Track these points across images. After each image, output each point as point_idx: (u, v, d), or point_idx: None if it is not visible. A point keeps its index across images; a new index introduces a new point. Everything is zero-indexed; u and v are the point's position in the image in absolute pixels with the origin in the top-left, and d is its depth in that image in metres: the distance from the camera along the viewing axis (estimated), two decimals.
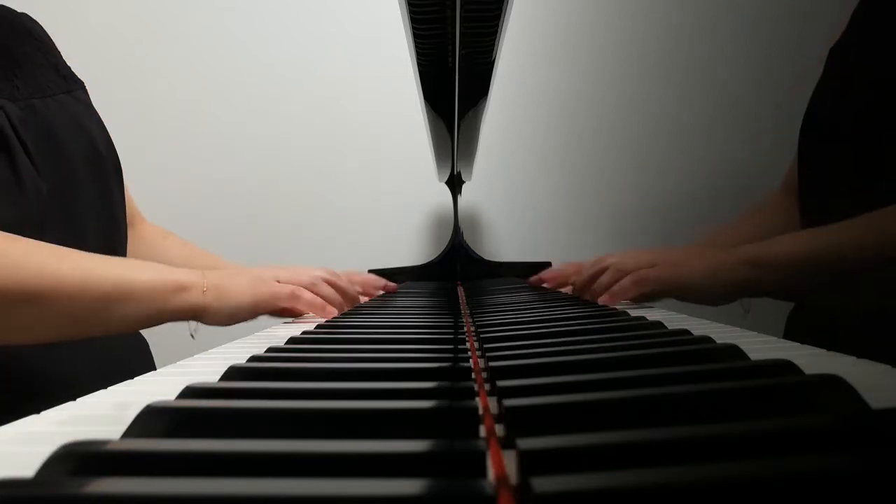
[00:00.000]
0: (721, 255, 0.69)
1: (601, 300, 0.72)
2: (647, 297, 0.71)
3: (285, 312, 0.69)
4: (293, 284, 0.69)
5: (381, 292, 0.96)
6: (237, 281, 0.66)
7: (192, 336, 0.67)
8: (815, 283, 0.65)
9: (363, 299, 0.80)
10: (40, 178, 0.65)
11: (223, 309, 0.64)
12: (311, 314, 0.70)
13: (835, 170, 0.74)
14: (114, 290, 0.57)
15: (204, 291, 0.62)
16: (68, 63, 0.79)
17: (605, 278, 0.73)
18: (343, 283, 0.75)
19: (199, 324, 0.65)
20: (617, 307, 0.66)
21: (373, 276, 0.98)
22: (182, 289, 0.61)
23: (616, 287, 0.71)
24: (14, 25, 0.73)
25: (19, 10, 0.77)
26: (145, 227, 0.95)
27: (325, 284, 0.72)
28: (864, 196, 0.68)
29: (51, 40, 0.79)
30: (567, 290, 0.90)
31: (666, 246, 1.02)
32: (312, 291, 0.70)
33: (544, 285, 0.98)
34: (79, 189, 0.71)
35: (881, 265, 0.59)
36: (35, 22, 0.78)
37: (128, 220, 0.85)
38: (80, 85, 0.79)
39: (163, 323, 0.62)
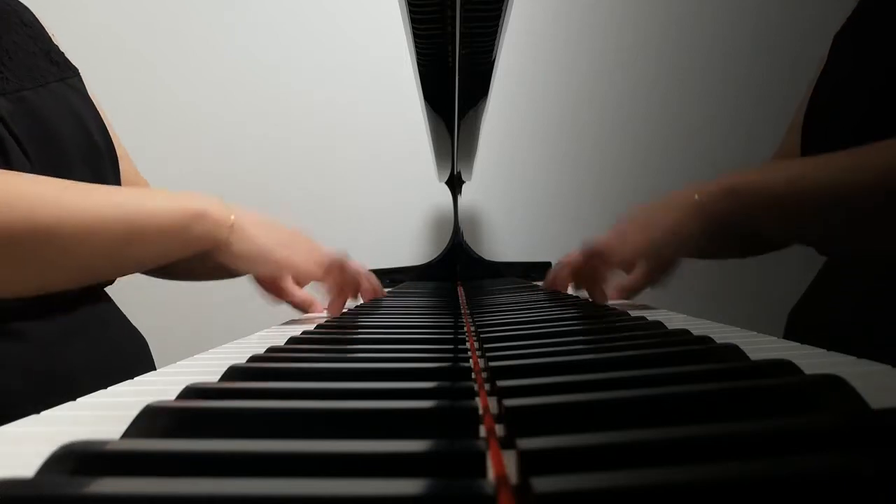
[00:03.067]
0: (689, 194, 0.59)
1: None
2: (624, 265, 0.69)
3: (298, 283, 0.68)
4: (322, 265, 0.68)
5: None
6: (268, 237, 0.63)
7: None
8: (818, 223, 0.55)
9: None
10: (34, 170, 0.65)
11: (247, 256, 0.60)
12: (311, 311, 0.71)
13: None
14: (132, 224, 0.54)
15: (229, 227, 0.59)
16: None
17: (570, 267, 0.73)
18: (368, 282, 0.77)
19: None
20: (617, 307, 0.66)
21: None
22: (199, 216, 0.58)
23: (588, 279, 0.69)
24: (2, 12, 0.72)
25: None
26: None
27: (358, 265, 0.72)
28: None
29: (42, 26, 0.77)
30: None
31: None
32: (349, 268, 0.69)
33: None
34: (74, 178, 0.70)
35: (884, 197, 0.50)
36: (25, 7, 0.76)
37: None
38: (74, 72, 0.77)
39: (189, 254, 0.59)
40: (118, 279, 0.68)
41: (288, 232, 0.66)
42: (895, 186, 0.48)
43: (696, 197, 0.59)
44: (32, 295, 0.57)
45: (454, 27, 0.60)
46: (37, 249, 0.50)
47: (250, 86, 1.48)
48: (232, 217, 0.60)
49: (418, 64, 0.71)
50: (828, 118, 0.76)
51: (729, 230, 0.59)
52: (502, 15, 0.61)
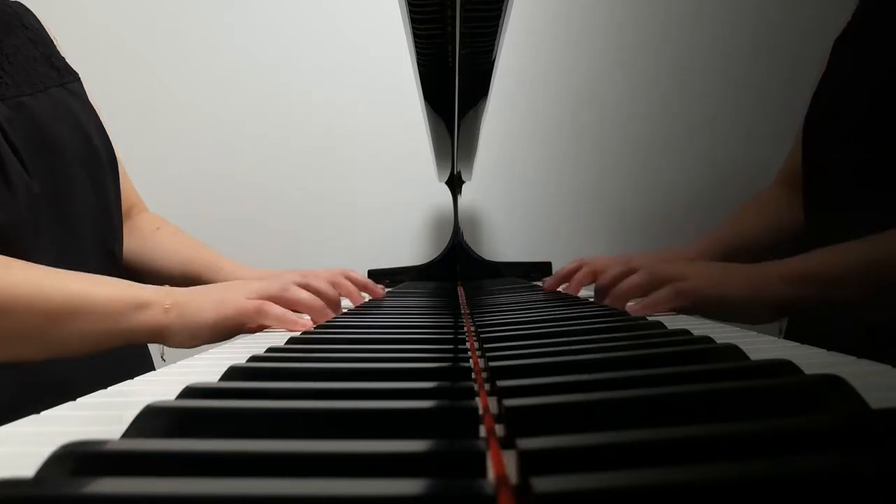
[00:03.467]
0: (758, 271, 0.64)
1: (634, 310, 0.63)
2: (679, 310, 0.65)
3: (259, 329, 0.62)
4: (261, 297, 0.62)
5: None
6: (202, 298, 0.60)
7: (163, 359, 0.63)
8: (852, 297, 0.62)
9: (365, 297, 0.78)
10: (31, 177, 0.65)
11: (185, 329, 0.58)
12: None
13: (843, 164, 0.73)
14: (66, 304, 0.54)
15: (166, 309, 0.57)
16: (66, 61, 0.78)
17: (636, 279, 0.67)
18: (320, 284, 0.69)
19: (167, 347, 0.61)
20: (617, 307, 0.66)
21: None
22: (141, 306, 0.56)
23: (650, 299, 0.64)
24: (3, 16, 0.71)
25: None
26: (141, 217, 0.92)
27: (298, 288, 0.65)
28: (874, 193, 0.67)
29: (45, 30, 0.77)
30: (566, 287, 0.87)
31: (670, 246, 1.00)
32: (284, 297, 0.64)
33: (561, 289, 0.88)
34: (72, 185, 0.70)
35: None
36: (27, 10, 0.76)
37: (125, 209, 0.84)
38: (74, 76, 0.77)
39: (122, 344, 0.58)
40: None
41: (218, 292, 0.62)
42: None
43: (763, 276, 0.63)
44: None
45: (454, 27, 0.60)
46: None
47: (250, 86, 1.48)
48: (168, 302, 0.58)
49: (418, 64, 0.71)
50: (828, 120, 0.76)
51: (791, 310, 0.65)
52: (502, 15, 0.61)
